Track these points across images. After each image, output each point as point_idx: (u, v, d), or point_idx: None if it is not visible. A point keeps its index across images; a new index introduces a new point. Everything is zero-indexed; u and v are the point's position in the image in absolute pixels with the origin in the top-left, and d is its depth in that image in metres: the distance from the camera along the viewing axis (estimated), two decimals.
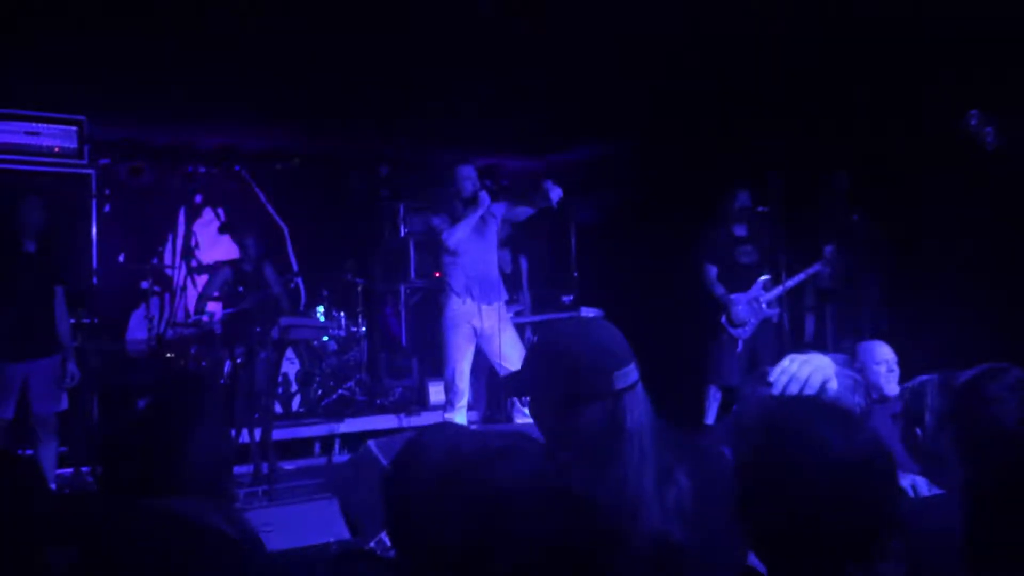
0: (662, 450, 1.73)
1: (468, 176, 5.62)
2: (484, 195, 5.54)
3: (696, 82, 6.20)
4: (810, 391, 1.73)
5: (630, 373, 1.74)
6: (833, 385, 1.76)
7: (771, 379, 1.76)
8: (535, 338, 1.80)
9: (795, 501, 1.27)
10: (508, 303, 6.12)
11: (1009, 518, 1.47)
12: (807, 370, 1.75)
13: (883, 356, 4.13)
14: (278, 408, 6.73)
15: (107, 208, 7.50)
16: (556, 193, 5.34)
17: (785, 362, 1.79)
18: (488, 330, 5.64)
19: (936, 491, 2.20)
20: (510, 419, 5.69)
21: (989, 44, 5.03)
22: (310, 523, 4.59)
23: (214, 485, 1.77)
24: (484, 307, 5.62)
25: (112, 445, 1.83)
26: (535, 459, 1.35)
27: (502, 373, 5.71)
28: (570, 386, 1.71)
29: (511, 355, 5.65)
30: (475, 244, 5.67)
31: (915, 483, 2.49)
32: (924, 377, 2.06)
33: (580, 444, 1.70)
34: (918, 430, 2.01)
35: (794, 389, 1.73)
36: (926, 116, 5.61)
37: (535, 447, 1.40)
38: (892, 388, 4.03)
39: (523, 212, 5.79)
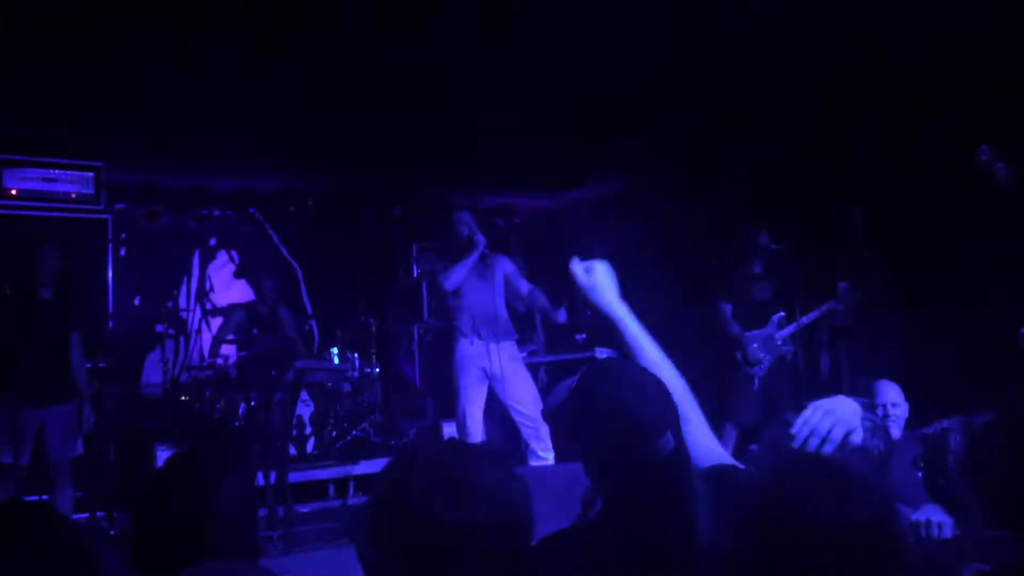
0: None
1: (462, 221, 5.74)
2: (480, 238, 5.63)
3: (707, 117, 6.22)
4: (831, 446, 1.70)
5: (669, 440, 1.67)
6: (856, 437, 1.74)
7: (793, 431, 1.73)
8: (568, 393, 1.74)
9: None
10: (521, 343, 6.13)
11: None
12: (828, 422, 1.72)
13: (893, 398, 4.13)
14: (292, 451, 6.71)
15: (123, 252, 7.54)
16: (563, 316, 5.75)
17: (807, 412, 1.76)
18: (499, 371, 5.64)
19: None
20: (525, 461, 5.66)
21: (1005, 78, 5.05)
22: (327, 570, 4.56)
23: (246, 539, 1.76)
24: (493, 347, 5.65)
25: (143, 498, 1.81)
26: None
27: (514, 415, 5.71)
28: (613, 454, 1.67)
29: (523, 397, 5.65)
30: (478, 285, 5.73)
31: (941, 522, 2.42)
32: (945, 422, 2.04)
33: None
34: (940, 478, 1.99)
35: (814, 444, 1.70)
36: (940, 148, 5.60)
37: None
38: (897, 431, 4.02)
39: (524, 294, 5.92)
